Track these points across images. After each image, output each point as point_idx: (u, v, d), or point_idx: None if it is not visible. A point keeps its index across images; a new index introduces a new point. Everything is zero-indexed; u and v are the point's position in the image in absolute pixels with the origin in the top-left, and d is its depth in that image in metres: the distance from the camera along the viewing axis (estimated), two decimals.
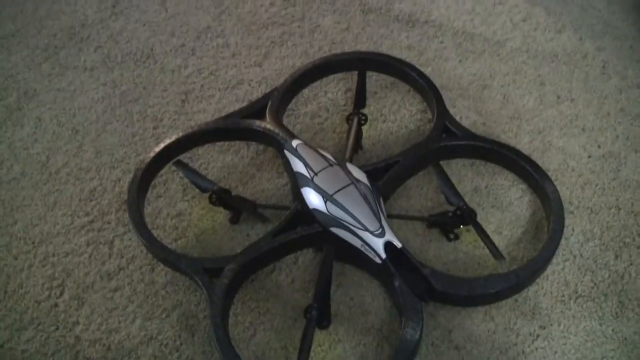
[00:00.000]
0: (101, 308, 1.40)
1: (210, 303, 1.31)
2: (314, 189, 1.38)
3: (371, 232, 1.32)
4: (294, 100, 1.70)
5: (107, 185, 1.59)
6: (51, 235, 1.52)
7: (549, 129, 1.59)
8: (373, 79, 1.71)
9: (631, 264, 1.37)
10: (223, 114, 1.66)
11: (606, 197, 1.47)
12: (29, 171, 1.63)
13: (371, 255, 1.33)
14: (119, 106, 1.74)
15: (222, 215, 1.51)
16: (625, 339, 1.28)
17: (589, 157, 1.54)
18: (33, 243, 1.51)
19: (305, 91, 1.72)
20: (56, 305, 1.41)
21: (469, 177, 1.52)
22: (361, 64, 1.67)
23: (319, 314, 1.30)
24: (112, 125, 1.70)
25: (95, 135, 1.68)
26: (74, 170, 1.62)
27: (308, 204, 1.38)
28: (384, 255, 1.31)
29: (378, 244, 1.32)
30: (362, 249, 1.34)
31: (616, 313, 1.32)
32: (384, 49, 1.79)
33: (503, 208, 1.47)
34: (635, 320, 1.30)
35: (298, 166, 1.43)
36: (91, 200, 1.56)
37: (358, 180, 1.40)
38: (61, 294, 1.43)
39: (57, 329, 1.38)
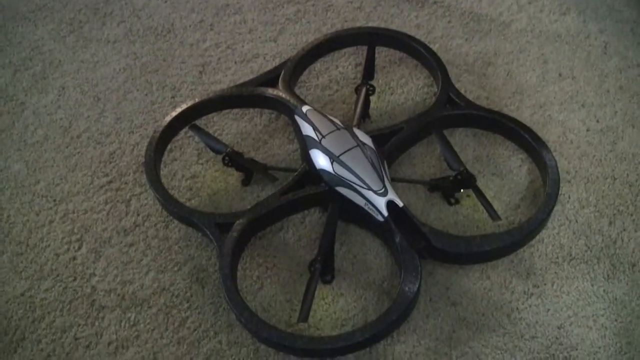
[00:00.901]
0: (117, 261, 1.48)
1: (220, 255, 1.38)
2: (322, 151, 1.45)
3: (374, 191, 1.39)
4: (305, 73, 1.77)
5: (125, 148, 1.66)
6: (71, 193, 1.59)
7: (550, 104, 1.65)
8: (382, 54, 1.78)
9: (624, 230, 1.43)
10: None
11: (602, 168, 1.53)
12: (52, 135, 1.71)
13: (374, 213, 1.40)
14: (139, 76, 1.82)
15: (234, 177, 1.58)
16: (616, 299, 1.34)
17: (588, 130, 1.60)
18: (54, 201, 1.58)
19: (317, 64, 1.79)
20: (74, 258, 1.49)
21: (471, 146, 1.58)
22: (371, 38, 1.74)
23: (322, 268, 1.36)
24: (132, 94, 1.78)
25: (116, 103, 1.76)
26: (95, 134, 1.70)
27: (315, 165, 1.45)
28: (386, 213, 1.38)
29: (381, 202, 1.38)
30: (366, 207, 1.40)
31: (608, 275, 1.37)
32: (394, 27, 1.85)
33: (503, 176, 1.53)
34: (626, 282, 1.36)
35: (307, 130, 1.50)
36: (110, 163, 1.64)
37: (364, 144, 1.46)
38: (79, 248, 1.50)
39: (75, 279, 1.46)
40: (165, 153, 1.63)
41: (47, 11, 2.02)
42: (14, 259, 1.49)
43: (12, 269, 1.48)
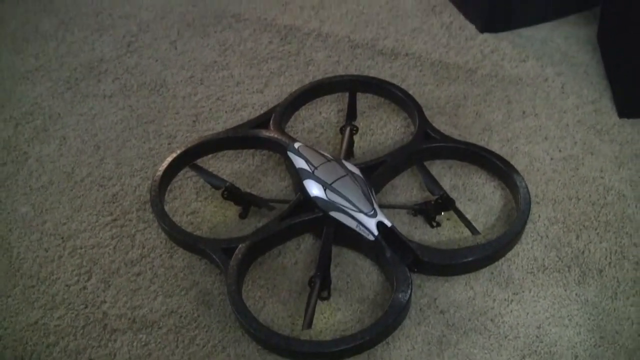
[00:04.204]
0: (126, 289, 1.58)
1: (226, 275, 1.50)
2: (315, 180, 1.59)
3: (365, 214, 1.53)
4: (292, 119, 1.92)
5: (127, 190, 1.78)
6: (78, 231, 1.70)
7: (516, 138, 1.82)
8: (361, 101, 1.94)
9: (590, 242, 1.58)
10: None
11: (567, 190, 1.69)
12: (56, 180, 1.82)
13: (365, 234, 1.53)
14: (136, 126, 1.95)
15: (232, 211, 1.70)
16: (587, 300, 1.49)
17: (552, 159, 1.77)
18: (62, 238, 1.69)
19: (302, 111, 1.95)
20: (85, 288, 1.59)
21: (448, 177, 1.74)
22: (352, 84, 1.92)
23: (320, 282, 1.49)
24: (130, 142, 1.91)
25: (116, 150, 1.89)
26: (97, 178, 1.82)
27: (310, 193, 1.59)
28: (376, 233, 1.52)
29: (371, 223, 1.52)
30: (357, 229, 1.54)
31: (579, 281, 1.52)
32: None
33: (478, 201, 1.69)
34: (595, 285, 1.51)
35: (300, 163, 1.65)
36: (114, 203, 1.76)
37: (353, 173, 1.61)
38: (89, 279, 1.61)
39: (86, 307, 1.55)
40: (166, 193, 1.75)
41: (44, 71, 2.16)
42: (26, 291, 1.59)
43: (24, 300, 1.57)
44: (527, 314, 1.47)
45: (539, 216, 1.64)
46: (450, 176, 1.74)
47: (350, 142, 1.80)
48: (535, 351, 1.42)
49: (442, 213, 1.63)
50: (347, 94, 1.93)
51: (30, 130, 1.97)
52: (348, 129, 1.82)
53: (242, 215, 1.69)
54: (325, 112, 1.95)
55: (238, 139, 1.81)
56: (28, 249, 1.67)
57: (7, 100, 2.08)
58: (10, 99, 2.08)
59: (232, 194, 1.68)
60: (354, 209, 1.54)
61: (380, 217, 1.54)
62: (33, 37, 2.31)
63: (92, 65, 2.17)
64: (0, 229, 1.72)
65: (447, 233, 1.63)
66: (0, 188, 1.82)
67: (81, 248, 1.67)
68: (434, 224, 1.64)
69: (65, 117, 2.00)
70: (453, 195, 1.67)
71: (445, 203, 1.61)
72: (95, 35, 2.28)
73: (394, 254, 1.50)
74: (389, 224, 1.53)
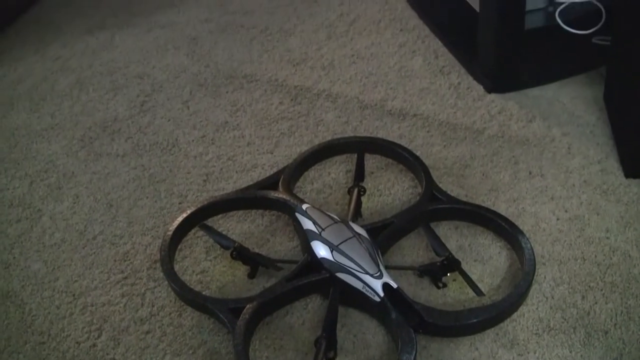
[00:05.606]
0: (135, 347, 1.59)
1: (233, 336, 1.51)
2: (322, 242, 1.62)
3: (371, 275, 1.55)
4: (301, 179, 1.95)
5: (139, 248, 1.81)
6: (89, 289, 1.73)
7: (523, 198, 1.84)
8: (370, 161, 1.97)
9: (596, 303, 1.59)
10: None
11: (573, 251, 1.70)
12: (68, 238, 1.86)
13: (371, 295, 1.55)
14: (148, 185, 1.99)
15: (240, 271, 1.72)
16: None
17: (558, 219, 1.78)
18: (73, 295, 1.72)
19: (311, 172, 1.98)
20: (95, 345, 1.61)
21: (454, 238, 1.76)
22: (360, 146, 1.95)
23: (327, 343, 1.50)
24: (142, 201, 1.95)
25: (128, 209, 1.93)
26: (109, 237, 1.85)
27: (317, 254, 1.62)
28: (382, 294, 1.53)
29: (377, 284, 1.54)
30: (363, 290, 1.56)
31: (584, 342, 1.52)
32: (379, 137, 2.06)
33: (484, 262, 1.70)
34: (600, 347, 1.51)
35: (307, 224, 1.67)
36: (125, 261, 1.79)
37: (359, 234, 1.64)
38: (99, 336, 1.62)
39: None
40: (176, 252, 1.78)
41: (59, 129, 2.22)
42: (37, 347, 1.61)
43: (35, 356, 1.59)
44: None
45: (545, 277, 1.65)
46: (456, 237, 1.76)
47: (358, 204, 1.82)
48: None
49: (448, 274, 1.65)
50: (355, 155, 1.96)
51: (44, 187, 2.01)
52: (356, 190, 1.84)
53: (251, 276, 1.71)
54: (334, 172, 1.98)
55: (247, 199, 1.84)
56: (40, 306, 1.70)
57: (22, 157, 2.13)
58: (26, 156, 2.13)
59: (240, 254, 1.70)
60: (360, 270, 1.56)
61: (386, 278, 1.56)
62: (49, 95, 2.37)
63: (106, 124, 2.22)
64: (13, 285, 1.75)
65: (453, 294, 1.64)
66: (14, 244, 1.86)
67: (92, 305, 1.69)
68: (440, 285, 1.65)
69: (79, 175, 2.05)
70: (459, 256, 1.69)
71: (451, 264, 1.63)
72: (109, 95, 2.34)
73: (400, 315, 1.51)
74: (394, 285, 1.55)
